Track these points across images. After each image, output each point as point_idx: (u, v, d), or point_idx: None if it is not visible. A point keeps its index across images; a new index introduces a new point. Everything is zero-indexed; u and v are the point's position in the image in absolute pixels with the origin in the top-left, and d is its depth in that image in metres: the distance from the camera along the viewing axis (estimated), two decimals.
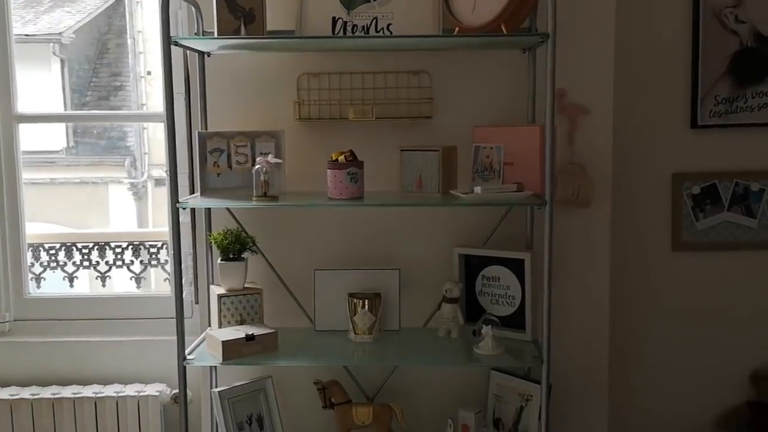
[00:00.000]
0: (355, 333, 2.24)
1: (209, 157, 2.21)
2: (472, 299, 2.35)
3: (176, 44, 2.03)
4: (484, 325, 2.13)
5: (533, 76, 2.25)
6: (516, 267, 2.24)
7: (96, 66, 6.57)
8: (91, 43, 6.55)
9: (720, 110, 2.55)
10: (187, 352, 2.10)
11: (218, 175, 2.24)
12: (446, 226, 2.39)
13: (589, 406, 2.45)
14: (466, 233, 2.38)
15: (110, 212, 6.56)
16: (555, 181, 2.00)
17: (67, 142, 5.92)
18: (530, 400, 2.27)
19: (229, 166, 2.23)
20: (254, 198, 2.07)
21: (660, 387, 2.66)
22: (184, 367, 2.07)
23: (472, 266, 2.34)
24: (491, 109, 2.34)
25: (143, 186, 6.82)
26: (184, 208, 2.05)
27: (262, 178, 2.06)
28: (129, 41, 5.90)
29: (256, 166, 2.06)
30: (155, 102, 5.56)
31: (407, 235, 2.40)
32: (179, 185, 2.28)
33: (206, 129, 2.30)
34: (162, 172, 6.93)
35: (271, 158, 2.07)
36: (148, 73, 5.51)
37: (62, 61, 5.91)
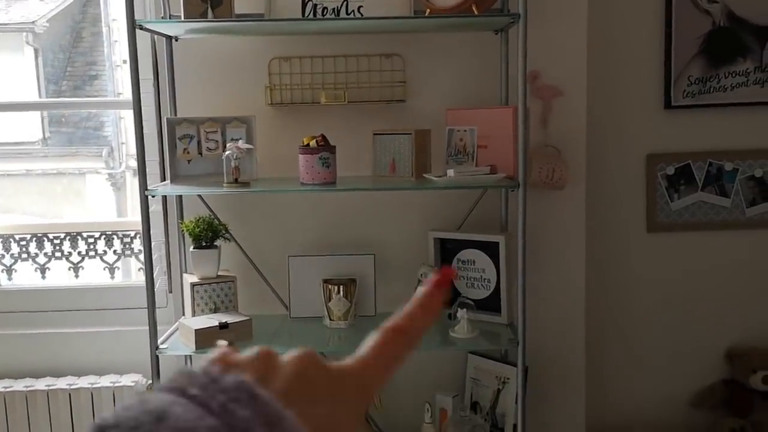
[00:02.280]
0: (330, 319, 2.23)
1: (179, 143, 2.18)
2: None
3: (141, 28, 1.99)
4: (459, 309, 2.12)
5: (506, 57, 2.24)
6: (491, 250, 2.24)
7: (71, 55, 6.46)
8: (66, 32, 6.44)
9: (693, 90, 2.55)
10: (160, 341, 2.07)
11: (189, 161, 2.21)
12: (421, 210, 2.38)
13: (566, 387, 2.45)
14: (440, 217, 2.37)
15: (88, 203, 6.48)
16: (528, 163, 1.99)
17: (43, 133, 5.83)
18: (507, 382, 2.28)
19: (200, 153, 2.20)
20: (225, 184, 2.04)
21: (636, 366, 2.67)
22: (157, 356, 2.04)
23: (447, 250, 2.33)
24: (464, 91, 2.32)
25: (121, 176, 6.74)
26: (153, 196, 2.01)
27: (233, 164, 2.03)
28: (104, 29, 5.80)
29: (227, 152, 2.03)
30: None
31: (382, 219, 2.38)
32: (151, 173, 2.26)
33: (176, 115, 2.26)
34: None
35: (242, 144, 2.04)
36: (124, 61, 5.42)
37: (36, 50, 5.80)
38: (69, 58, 6.48)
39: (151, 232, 2.59)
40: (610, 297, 2.64)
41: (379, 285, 2.31)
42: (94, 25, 6.34)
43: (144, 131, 2.49)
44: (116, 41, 5.71)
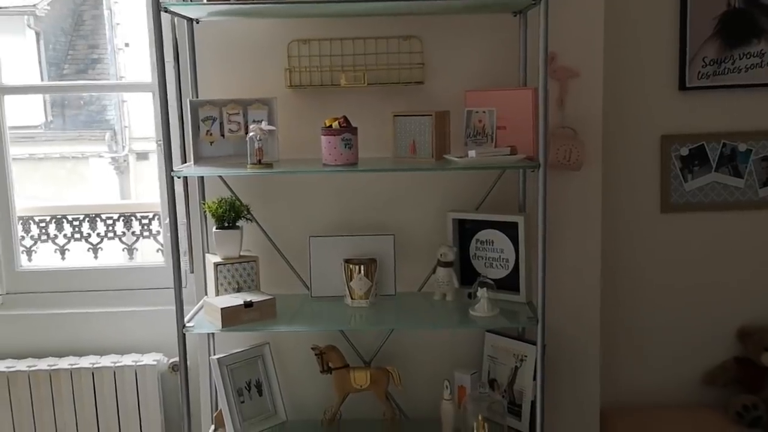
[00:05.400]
0: (351, 298, 2.27)
1: (202, 125, 2.20)
2: (466, 263, 2.37)
3: (166, 11, 2.01)
4: (479, 288, 2.15)
5: (524, 39, 2.26)
6: (509, 230, 2.27)
7: (72, 38, 6.45)
8: (67, 15, 6.43)
9: (708, 72, 2.57)
10: (186, 319, 2.11)
11: (211, 143, 2.24)
12: (439, 191, 2.41)
13: (582, 364, 2.49)
14: (459, 198, 2.40)
15: (92, 187, 6.51)
16: (548, 143, 2.02)
17: (46, 117, 5.84)
18: (524, 360, 2.31)
19: (222, 135, 2.22)
20: (249, 166, 2.07)
21: (650, 344, 2.71)
22: (184, 334, 2.08)
23: (465, 230, 2.36)
24: (482, 73, 2.34)
25: (125, 160, 6.75)
26: (179, 177, 2.04)
27: (256, 145, 2.05)
28: (105, 12, 5.80)
29: (251, 134, 2.06)
30: (135, 73, 5.50)
31: (401, 200, 2.41)
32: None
33: (197, 97, 2.28)
34: (145, 146, 6.87)
35: (265, 125, 2.07)
36: (126, 45, 5.42)
37: (37, 33, 5.79)
38: (70, 42, 6.47)
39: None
40: (625, 276, 2.67)
41: (398, 265, 2.35)
42: (95, 8, 6.33)
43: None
44: (118, 24, 5.72)
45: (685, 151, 2.62)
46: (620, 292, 2.67)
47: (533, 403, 2.26)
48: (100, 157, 6.43)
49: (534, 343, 2.29)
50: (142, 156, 7.14)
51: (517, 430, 2.30)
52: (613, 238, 2.61)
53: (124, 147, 6.66)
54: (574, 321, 2.47)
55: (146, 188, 6.70)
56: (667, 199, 2.64)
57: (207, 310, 2.17)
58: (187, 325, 2.10)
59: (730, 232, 2.67)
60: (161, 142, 2.52)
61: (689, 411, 2.65)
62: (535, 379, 2.25)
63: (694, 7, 2.53)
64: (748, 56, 2.57)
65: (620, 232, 2.64)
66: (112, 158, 6.54)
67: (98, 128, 6.39)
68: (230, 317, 2.07)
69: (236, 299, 2.13)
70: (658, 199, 2.65)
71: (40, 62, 6.05)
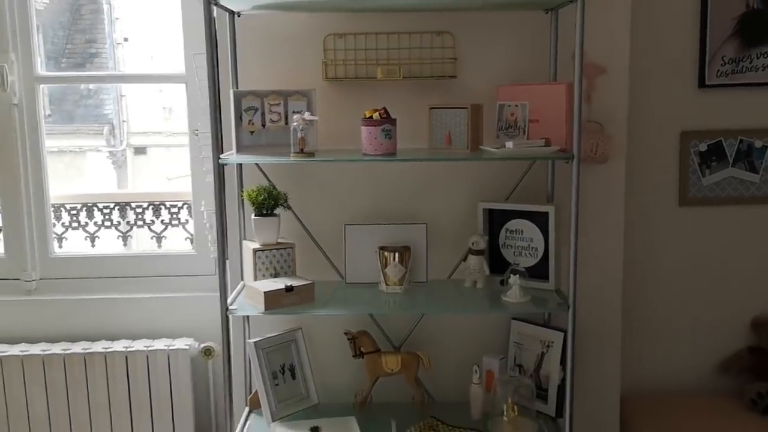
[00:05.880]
0: (386, 284, 2.34)
1: (244, 115, 2.27)
2: (495, 251, 2.45)
3: (216, 4, 2.07)
4: (511, 275, 2.24)
5: (555, 36, 2.34)
6: (539, 220, 2.35)
7: (70, 32, 6.47)
8: (65, 9, 6.45)
9: (726, 70, 2.67)
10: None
11: (251, 133, 2.30)
12: (470, 182, 2.49)
13: (603, 351, 2.58)
14: (488, 189, 2.48)
15: (89, 181, 6.54)
16: (581, 136, 2.10)
17: (44, 111, 5.88)
18: (551, 346, 2.40)
19: (263, 125, 2.29)
20: (292, 154, 2.14)
21: (667, 333, 2.81)
22: (228, 317, 2.14)
23: (495, 220, 2.44)
24: (513, 69, 2.42)
25: (122, 154, 6.78)
26: (225, 164, 2.11)
27: (299, 135, 2.12)
28: (104, 7, 5.83)
29: (294, 124, 2.13)
30: (134, 68, 5.55)
31: (433, 191, 2.49)
32: (204, 145, 2.34)
33: (238, 88, 2.35)
34: (143, 140, 6.89)
35: (307, 116, 2.14)
36: (125, 39, 5.46)
37: (36, 27, 5.83)
38: (68, 36, 6.49)
39: (203, 202, 2.70)
40: (644, 267, 2.76)
41: (430, 253, 2.42)
42: (93, 3, 6.36)
43: (198, 105, 2.59)
44: (117, 18, 5.75)
45: (703, 147, 2.72)
46: (640, 282, 2.76)
47: (559, 387, 2.35)
48: (98, 151, 6.46)
49: (560, 330, 2.38)
50: (140, 150, 7.17)
51: (544, 413, 2.38)
52: (633, 230, 2.69)
53: (122, 141, 6.69)
54: (598, 308, 2.55)
55: (143, 182, 6.73)
56: (686, 193, 2.73)
57: (248, 294, 2.24)
58: (230, 308, 2.16)
59: (746, 225, 2.76)
60: (198, 132, 2.59)
61: (705, 398, 2.75)
62: (561, 363, 2.34)
63: (714, 8, 2.62)
64: (766, 55, 2.66)
65: (641, 224, 2.73)
66: (110, 152, 6.57)
67: (96, 122, 6.42)
68: (272, 301, 2.14)
69: (277, 284, 2.20)
70: (677, 193, 2.74)
71: (39, 55, 6.08)
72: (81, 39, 6.58)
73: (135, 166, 7.03)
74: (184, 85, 2.71)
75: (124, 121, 6.70)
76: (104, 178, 6.48)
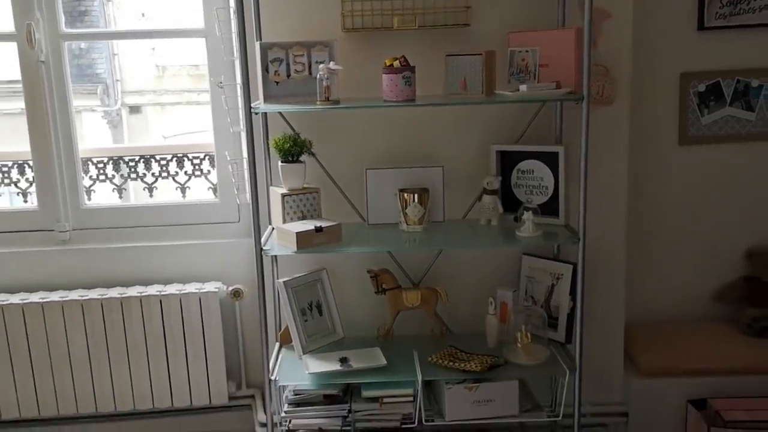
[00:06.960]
0: (406, 224, 2.49)
1: (270, 66, 2.38)
2: (507, 191, 2.60)
3: None
4: (524, 212, 2.39)
5: None
6: (549, 159, 2.49)
7: None
8: None
9: (725, 12, 2.78)
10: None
11: (277, 83, 2.42)
12: (482, 126, 2.62)
13: (609, 281, 2.76)
14: (500, 132, 2.61)
15: (86, 142, 6.65)
16: (590, 78, 2.23)
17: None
18: (561, 278, 2.57)
19: (288, 75, 2.41)
20: (319, 102, 2.26)
21: (668, 265, 2.99)
22: (262, 256, 2.30)
23: (507, 161, 2.59)
24: (523, 16, 2.53)
25: (117, 114, 6.82)
26: (257, 113, 2.23)
27: (324, 83, 2.24)
28: None
29: (320, 73, 2.25)
30: (124, 25, 5.59)
31: (448, 135, 2.63)
32: (229, 96, 2.44)
33: (261, 40, 2.46)
34: (137, 99, 6.92)
35: (332, 65, 2.26)
36: None
37: None
38: None
39: (227, 152, 2.82)
40: (646, 203, 2.92)
41: (447, 194, 2.57)
42: None
43: (223, 58, 2.70)
44: None
45: (702, 88, 2.85)
46: (642, 216, 2.92)
47: (569, 316, 2.53)
48: (93, 111, 6.50)
49: (569, 263, 2.55)
50: (135, 110, 7.21)
51: (554, 340, 2.57)
52: (636, 168, 2.84)
53: (116, 101, 6.73)
54: (604, 242, 2.71)
55: (139, 140, 6.78)
56: (685, 132, 2.88)
57: (280, 235, 2.39)
58: (264, 248, 2.31)
59: (742, 161, 2.91)
60: (222, 83, 2.71)
61: (703, 324, 2.95)
62: (571, 293, 2.51)
63: None
64: None
65: (643, 162, 2.88)
66: (105, 112, 6.61)
67: (89, 82, 6.44)
68: (304, 241, 2.29)
69: (307, 225, 2.35)
70: (677, 132, 2.88)
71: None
72: None
73: (130, 125, 7.08)
74: (203, 40, 2.81)
75: (117, 80, 6.74)
76: (100, 137, 6.52)
